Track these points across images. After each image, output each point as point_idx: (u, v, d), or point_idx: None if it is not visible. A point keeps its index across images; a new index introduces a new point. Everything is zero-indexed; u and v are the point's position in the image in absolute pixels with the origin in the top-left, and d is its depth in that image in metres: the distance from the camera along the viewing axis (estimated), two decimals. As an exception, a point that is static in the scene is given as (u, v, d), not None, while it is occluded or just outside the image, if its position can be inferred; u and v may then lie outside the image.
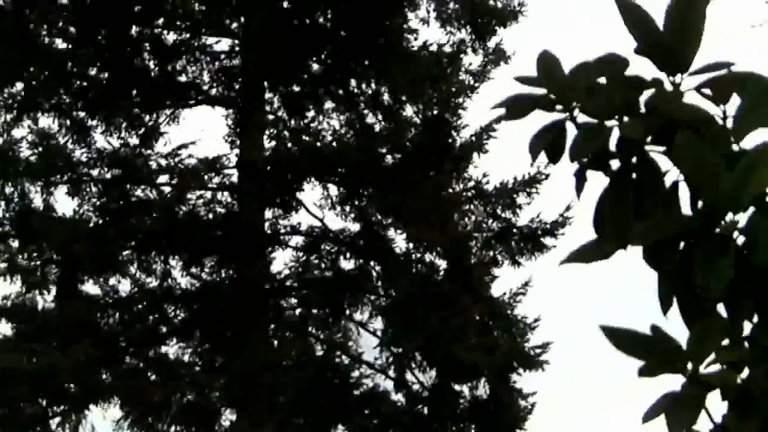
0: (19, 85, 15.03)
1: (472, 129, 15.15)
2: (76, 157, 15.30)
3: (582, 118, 2.21)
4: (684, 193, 2.10)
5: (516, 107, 2.26)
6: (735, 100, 2.08)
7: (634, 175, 2.15)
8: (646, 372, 2.00)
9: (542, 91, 2.24)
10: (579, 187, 2.21)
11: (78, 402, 14.19)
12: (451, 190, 15.10)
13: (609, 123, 2.16)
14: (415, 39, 15.21)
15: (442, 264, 15.06)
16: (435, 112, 14.98)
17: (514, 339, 14.59)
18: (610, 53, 2.21)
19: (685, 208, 2.09)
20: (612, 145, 2.16)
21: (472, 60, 15.42)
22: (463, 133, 15.13)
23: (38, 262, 14.62)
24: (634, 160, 2.15)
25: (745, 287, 1.95)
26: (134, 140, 15.54)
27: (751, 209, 1.97)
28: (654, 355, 2.00)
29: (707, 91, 2.11)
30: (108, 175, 15.33)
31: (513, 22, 15.49)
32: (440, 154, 14.69)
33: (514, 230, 15.11)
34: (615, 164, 2.18)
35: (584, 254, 2.16)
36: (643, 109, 2.16)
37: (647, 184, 2.13)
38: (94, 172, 15.39)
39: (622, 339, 2.05)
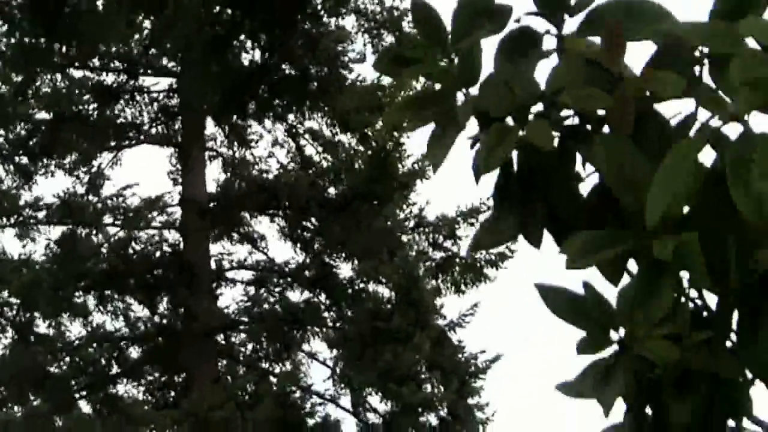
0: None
1: (414, 157, 15.22)
2: (23, 199, 15.30)
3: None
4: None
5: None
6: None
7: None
8: (584, 349, 1.86)
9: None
10: (477, 176, 2.00)
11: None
12: (392, 221, 15.13)
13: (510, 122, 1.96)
14: (350, 72, 15.32)
15: (390, 293, 15.10)
16: (376, 142, 15.03)
17: (460, 367, 14.63)
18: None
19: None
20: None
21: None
22: (406, 162, 15.19)
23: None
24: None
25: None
26: (80, 187, 15.57)
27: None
28: (590, 323, 1.86)
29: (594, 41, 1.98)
30: (54, 219, 15.30)
31: (449, 55, 15.43)
32: (384, 184, 14.75)
33: (456, 260, 15.22)
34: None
35: (487, 239, 2.05)
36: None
37: (561, 193, 1.99)
38: (41, 215, 15.35)
39: (557, 300, 1.92)
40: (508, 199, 2.04)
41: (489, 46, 2.09)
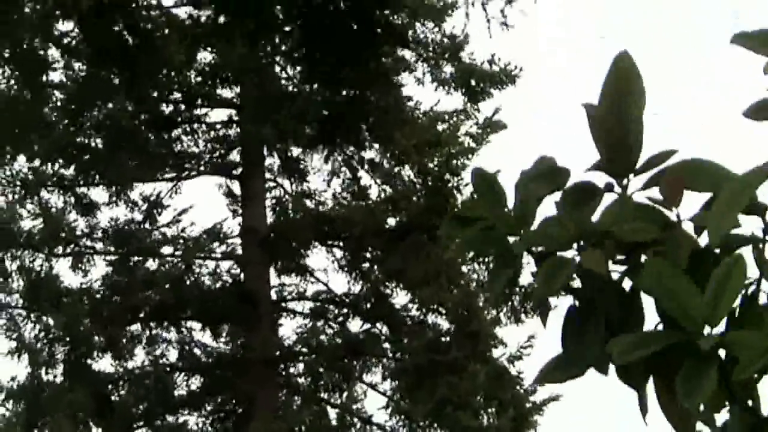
0: (22, 160, 14.93)
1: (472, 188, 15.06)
2: (79, 228, 15.24)
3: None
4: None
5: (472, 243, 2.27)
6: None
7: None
8: None
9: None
10: (544, 317, 2.17)
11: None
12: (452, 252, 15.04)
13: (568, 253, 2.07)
14: (416, 105, 15.25)
15: (448, 325, 14.99)
16: (435, 173, 14.90)
17: (518, 401, 14.50)
18: (545, 161, 2.20)
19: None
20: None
21: (471, 123, 15.28)
22: (465, 191, 15.07)
23: (45, 341, 14.51)
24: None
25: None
26: (137, 215, 15.52)
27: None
28: None
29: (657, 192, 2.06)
30: (111, 248, 15.27)
31: (509, 85, 15.31)
32: (442, 215, 14.65)
33: (517, 290, 15.06)
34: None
35: (556, 374, 2.10)
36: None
37: (614, 307, 2.05)
38: (98, 245, 15.32)
39: None
40: (575, 331, 2.09)
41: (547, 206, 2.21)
